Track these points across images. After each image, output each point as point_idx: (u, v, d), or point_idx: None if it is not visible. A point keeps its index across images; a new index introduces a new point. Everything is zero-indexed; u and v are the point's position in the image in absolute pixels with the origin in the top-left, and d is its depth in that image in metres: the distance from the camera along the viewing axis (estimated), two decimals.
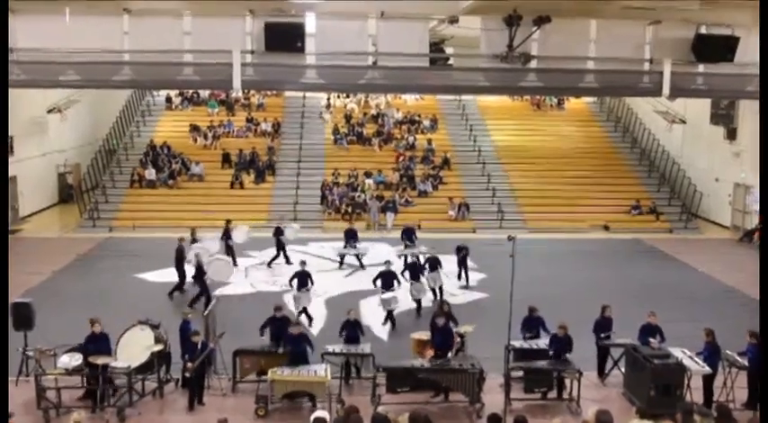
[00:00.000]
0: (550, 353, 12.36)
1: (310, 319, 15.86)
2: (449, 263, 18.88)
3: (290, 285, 16.40)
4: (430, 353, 12.02)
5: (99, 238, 24.41)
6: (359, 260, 20.93)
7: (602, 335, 13.02)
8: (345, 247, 21.06)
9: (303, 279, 16.16)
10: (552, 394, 12.19)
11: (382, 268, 16.65)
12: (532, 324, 13.13)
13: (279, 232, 20.83)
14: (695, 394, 11.59)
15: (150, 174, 28.88)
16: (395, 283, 16.31)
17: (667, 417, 8.57)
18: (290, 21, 13.38)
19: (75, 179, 30.97)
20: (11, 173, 24.27)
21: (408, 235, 21.25)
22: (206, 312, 13.17)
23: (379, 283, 16.42)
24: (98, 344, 11.72)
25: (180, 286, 17.79)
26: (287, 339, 12.16)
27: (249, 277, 19.70)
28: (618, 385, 12.66)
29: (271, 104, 34.91)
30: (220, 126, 32.55)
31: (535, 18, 13.36)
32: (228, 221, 20.79)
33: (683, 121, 29.90)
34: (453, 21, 13.87)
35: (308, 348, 12.08)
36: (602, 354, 13.13)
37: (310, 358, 12.07)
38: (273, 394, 11.47)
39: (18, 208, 26.65)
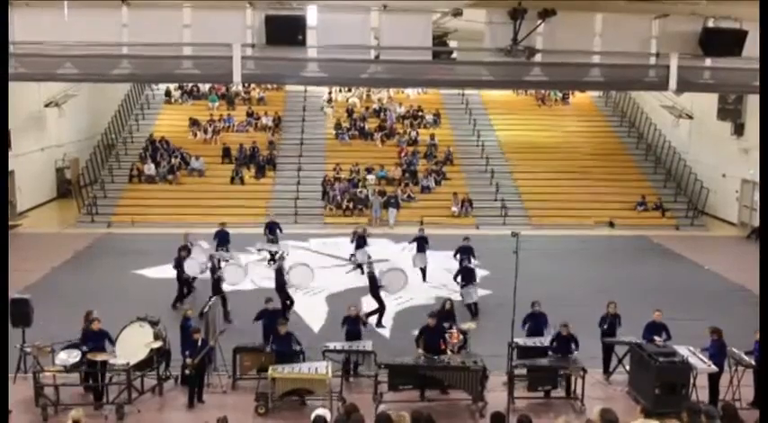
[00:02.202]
0: (550, 352, 12.24)
1: (473, 313, 15.83)
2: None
3: (456, 281, 16.65)
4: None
5: (97, 234, 24.29)
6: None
7: (605, 327, 12.88)
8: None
9: (468, 275, 16.45)
10: (556, 393, 12.04)
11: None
12: (534, 319, 12.98)
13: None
14: (701, 393, 11.45)
15: (149, 169, 28.73)
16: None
17: (673, 416, 8.45)
18: (291, 13, 13.20)
19: (74, 174, 30.79)
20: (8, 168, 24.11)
21: (272, 228, 20.98)
22: (206, 309, 13.05)
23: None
24: (96, 341, 11.64)
25: (185, 293, 17.03)
26: (274, 338, 12.07)
27: (250, 273, 19.47)
28: (623, 384, 12.54)
29: (271, 98, 34.72)
30: (220, 120, 32.38)
31: (540, 11, 13.19)
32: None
33: (690, 117, 29.70)
34: (457, 14, 13.69)
35: (296, 347, 12.04)
36: (608, 351, 13.00)
37: (306, 356, 12.05)
38: (274, 392, 11.35)
39: (16, 203, 26.49)
